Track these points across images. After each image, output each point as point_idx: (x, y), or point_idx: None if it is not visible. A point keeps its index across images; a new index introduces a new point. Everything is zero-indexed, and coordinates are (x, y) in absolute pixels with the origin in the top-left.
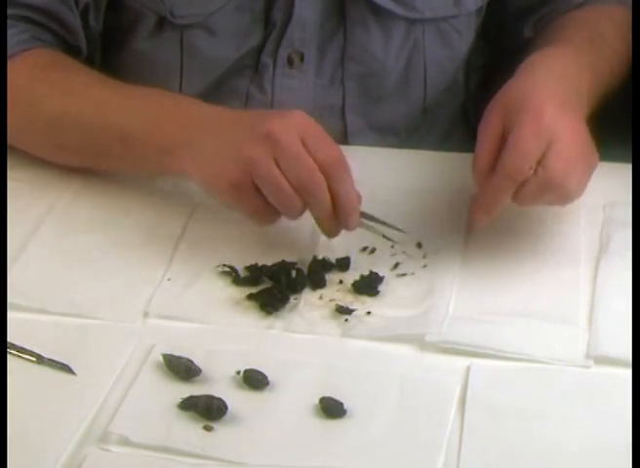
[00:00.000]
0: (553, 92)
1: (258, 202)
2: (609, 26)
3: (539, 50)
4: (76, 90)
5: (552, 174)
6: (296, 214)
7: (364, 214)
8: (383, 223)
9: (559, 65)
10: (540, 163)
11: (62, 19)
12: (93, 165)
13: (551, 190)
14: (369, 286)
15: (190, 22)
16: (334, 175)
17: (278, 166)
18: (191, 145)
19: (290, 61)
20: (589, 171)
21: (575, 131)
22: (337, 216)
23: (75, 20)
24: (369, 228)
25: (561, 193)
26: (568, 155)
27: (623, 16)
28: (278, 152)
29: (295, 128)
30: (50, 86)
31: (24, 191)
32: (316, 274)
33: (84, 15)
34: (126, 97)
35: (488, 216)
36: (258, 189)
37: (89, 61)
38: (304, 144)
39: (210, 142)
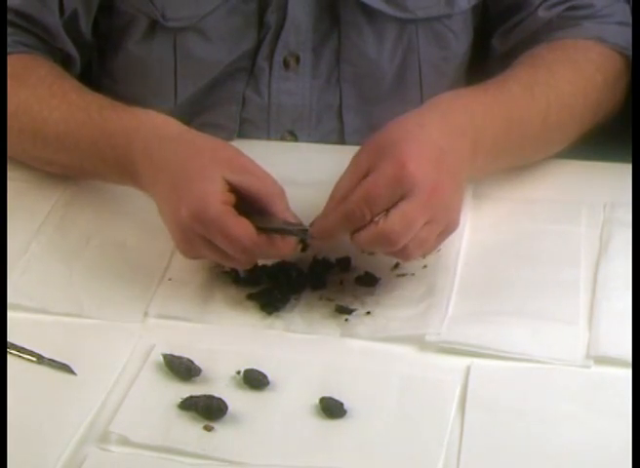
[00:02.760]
0: (433, 145)
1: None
2: (566, 70)
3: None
4: (34, 109)
5: (389, 230)
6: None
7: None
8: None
9: (461, 115)
10: (384, 215)
11: (43, 24)
12: (67, 174)
13: (385, 245)
14: (369, 286)
15: (182, 26)
16: (241, 254)
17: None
18: (144, 182)
19: (286, 64)
20: (440, 235)
21: (438, 191)
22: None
23: (57, 24)
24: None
25: (396, 251)
26: (414, 216)
27: (597, 54)
28: (205, 230)
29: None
30: (13, 104)
31: (24, 191)
32: (316, 274)
33: (73, 20)
34: (79, 120)
35: (321, 241)
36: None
37: (85, 65)
38: (236, 183)
39: (156, 185)
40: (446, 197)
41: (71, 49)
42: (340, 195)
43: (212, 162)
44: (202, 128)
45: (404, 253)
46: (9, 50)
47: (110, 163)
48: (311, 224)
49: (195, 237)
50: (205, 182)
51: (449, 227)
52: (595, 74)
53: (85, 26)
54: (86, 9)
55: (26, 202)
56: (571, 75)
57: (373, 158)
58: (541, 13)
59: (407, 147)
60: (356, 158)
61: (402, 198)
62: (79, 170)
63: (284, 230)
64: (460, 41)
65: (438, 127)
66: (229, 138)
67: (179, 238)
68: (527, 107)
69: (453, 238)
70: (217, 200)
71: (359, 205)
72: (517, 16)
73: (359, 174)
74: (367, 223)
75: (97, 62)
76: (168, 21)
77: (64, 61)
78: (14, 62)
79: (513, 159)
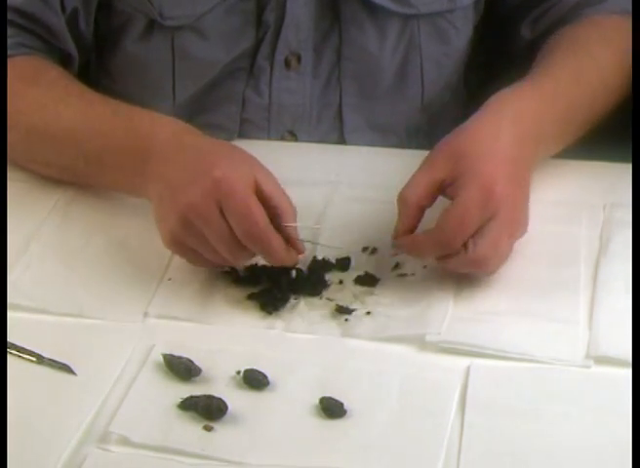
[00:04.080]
0: (509, 158)
1: (196, 256)
2: (606, 51)
3: (509, 87)
4: (49, 106)
5: (479, 254)
6: (243, 261)
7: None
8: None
9: (524, 117)
10: (472, 238)
11: (46, 23)
12: (62, 178)
13: (474, 268)
14: (369, 286)
15: (180, 24)
16: (251, 244)
17: (223, 216)
18: (150, 178)
19: (287, 63)
20: (513, 243)
21: (516, 205)
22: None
23: (60, 24)
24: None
25: (481, 271)
26: (499, 236)
27: (624, 28)
28: (200, 224)
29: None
30: (25, 102)
31: (25, 191)
32: (316, 274)
33: (73, 19)
34: (93, 119)
35: (408, 253)
36: (198, 241)
37: (84, 65)
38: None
39: (166, 179)
40: (523, 211)
41: (72, 48)
42: (416, 202)
43: (243, 161)
44: (202, 128)
45: (487, 271)
46: (11, 52)
47: (123, 153)
48: (394, 237)
49: (195, 221)
50: (236, 166)
51: (521, 235)
52: (628, 48)
53: (84, 25)
54: (86, 7)
55: (26, 202)
56: (609, 54)
57: (451, 170)
58: None
59: (489, 167)
60: (430, 165)
61: (488, 221)
62: (78, 171)
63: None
64: (461, 36)
65: (510, 137)
66: (230, 139)
67: (174, 223)
68: (577, 95)
69: None
70: (246, 180)
71: (453, 234)
72: (545, 3)
73: (435, 182)
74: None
75: (95, 62)
76: (165, 20)
77: (63, 61)
78: (21, 64)
79: (565, 144)
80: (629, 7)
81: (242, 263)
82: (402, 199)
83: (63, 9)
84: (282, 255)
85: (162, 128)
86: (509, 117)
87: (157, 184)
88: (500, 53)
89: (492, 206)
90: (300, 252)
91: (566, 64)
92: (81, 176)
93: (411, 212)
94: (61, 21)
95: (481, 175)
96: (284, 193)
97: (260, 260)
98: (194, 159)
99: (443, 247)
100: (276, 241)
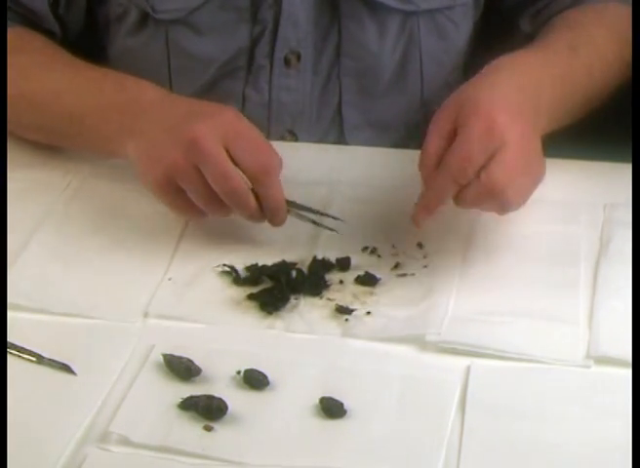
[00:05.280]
0: (509, 100)
1: (182, 202)
2: (602, 30)
3: (510, 53)
4: (36, 72)
5: (494, 181)
6: (223, 215)
7: (295, 205)
8: (319, 213)
9: (522, 75)
10: (484, 168)
11: (30, 7)
12: (52, 142)
13: (491, 197)
14: (369, 286)
15: (173, 18)
16: (259, 181)
17: (201, 173)
18: (132, 134)
19: (286, 61)
20: (533, 183)
21: (525, 140)
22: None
23: (44, 7)
24: (302, 218)
25: (500, 202)
26: (513, 165)
27: (624, 15)
28: (200, 159)
29: (221, 132)
30: (11, 69)
31: (24, 191)
32: (316, 274)
33: (55, 4)
34: (80, 81)
35: (428, 215)
36: (182, 190)
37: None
38: (231, 149)
39: (147, 133)
40: (534, 145)
41: (55, 28)
42: (432, 161)
43: (223, 122)
44: None
45: (507, 204)
46: None
47: (111, 110)
48: (417, 203)
49: (175, 177)
50: (216, 127)
51: (540, 176)
52: (627, 32)
53: (64, 10)
54: None
55: (26, 202)
56: (607, 34)
57: (456, 116)
58: None
59: (490, 102)
60: (437, 121)
61: (497, 150)
62: (63, 132)
63: (297, 205)
64: (460, 32)
65: (507, 86)
66: None
67: (161, 173)
68: (574, 65)
69: (453, 238)
70: (222, 141)
71: (461, 163)
72: None
73: (445, 135)
74: (469, 181)
75: (98, 53)
76: (158, 14)
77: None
78: (12, 36)
79: (566, 115)
80: None
81: (219, 216)
82: (421, 166)
83: None
84: (256, 215)
85: (150, 89)
86: (504, 72)
87: (139, 141)
88: (500, 50)
89: (497, 134)
90: (275, 224)
91: (561, 37)
92: (66, 138)
93: (429, 172)
94: (46, 7)
95: (482, 110)
96: (256, 147)
97: (260, 260)
98: (176, 119)
99: (455, 179)
100: (250, 200)
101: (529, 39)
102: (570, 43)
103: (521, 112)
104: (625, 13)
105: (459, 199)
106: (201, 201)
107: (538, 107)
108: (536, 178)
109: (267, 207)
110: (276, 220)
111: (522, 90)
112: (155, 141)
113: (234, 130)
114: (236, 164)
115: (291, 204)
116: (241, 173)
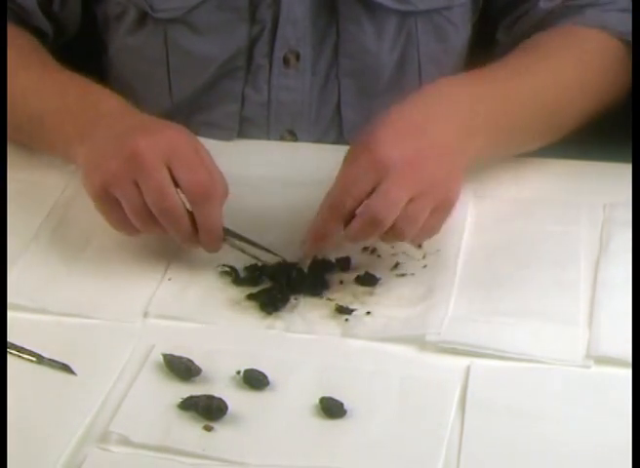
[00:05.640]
0: (408, 121)
1: (117, 214)
2: (564, 54)
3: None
4: (11, 70)
5: (374, 212)
6: (157, 234)
7: (233, 234)
8: (253, 244)
9: (446, 97)
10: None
11: (19, 3)
12: (21, 141)
13: (374, 228)
14: (369, 286)
15: (171, 17)
16: (196, 203)
17: (138, 187)
18: (83, 140)
19: (285, 61)
20: (433, 211)
21: (415, 165)
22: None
23: (32, 5)
24: (237, 247)
25: (390, 232)
26: (395, 192)
27: (594, 40)
28: (138, 174)
29: (165, 149)
30: None
31: (24, 191)
32: (316, 274)
33: (47, 3)
34: (47, 82)
35: (317, 246)
36: (119, 202)
37: (87, 55)
38: (173, 168)
39: (96, 141)
40: (429, 170)
41: (45, 26)
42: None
43: (170, 139)
44: (201, 127)
45: (397, 233)
46: None
47: (71, 113)
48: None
49: (113, 190)
50: (157, 142)
51: (444, 203)
52: (594, 61)
53: (59, 8)
54: None
55: (26, 202)
56: (569, 60)
57: (348, 156)
58: (543, 4)
59: (378, 132)
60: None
61: (381, 180)
62: (24, 131)
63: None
64: (459, 33)
65: (416, 109)
66: (229, 138)
67: (99, 181)
68: (517, 90)
69: (453, 238)
70: (162, 158)
71: (340, 195)
72: (520, 8)
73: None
74: (354, 214)
75: (102, 52)
76: (156, 13)
77: (37, 36)
78: None
79: (517, 141)
80: (607, 23)
81: (153, 233)
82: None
83: None
84: (189, 238)
85: (112, 98)
86: (422, 96)
87: (87, 148)
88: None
89: (380, 163)
90: (209, 250)
91: (513, 62)
92: (30, 138)
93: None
94: (35, 4)
95: (369, 140)
96: (203, 174)
97: (260, 260)
98: (124, 130)
99: (335, 212)
100: (184, 221)
101: (507, 52)
102: (517, 67)
103: (420, 136)
104: (597, 38)
105: (347, 234)
106: (133, 216)
107: (468, 131)
108: (439, 208)
109: (201, 231)
110: (209, 247)
111: (437, 113)
112: (99, 149)
113: (179, 148)
114: (176, 183)
115: (228, 232)
116: (181, 193)
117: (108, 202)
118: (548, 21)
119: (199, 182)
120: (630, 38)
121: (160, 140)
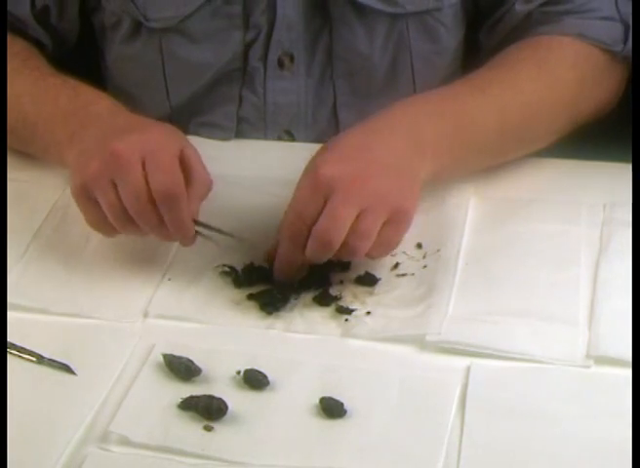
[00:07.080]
0: (351, 140)
1: (95, 214)
2: (530, 68)
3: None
4: (12, 76)
5: (322, 230)
6: (135, 234)
7: (201, 224)
8: (219, 231)
9: (399, 116)
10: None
11: (15, 14)
12: (15, 145)
13: (325, 248)
14: (369, 286)
15: (165, 26)
16: (159, 202)
17: (116, 187)
18: (73, 142)
19: (280, 64)
20: (386, 224)
21: (359, 181)
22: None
23: (28, 15)
24: (206, 237)
25: (342, 250)
26: (340, 209)
27: (574, 51)
28: (116, 174)
29: (141, 149)
30: None
31: (24, 191)
32: (316, 274)
33: (44, 13)
34: (40, 87)
35: (285, 274)
36: (98, 202)
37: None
38: (145, 168)
39: (84, 142)
40: (374, 184)
41: (43, 37)
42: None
43: (149, 140)
44: (201, 128)
45: (349, 250)
46: None
47: (62, 117)
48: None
49: (99, 181)
50: (138, 141)
51: (397, 215)
52: (567, 72)
53: (57, 20)
54: (58, 4)
55: (26, 202)
56: (535, 73)
57: (298, 182)
58: (519, 7)
59: (322, 155)
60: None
61: (327, 199)
62: (18, 135)
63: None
64: (451, 34)
65: (363, 132)
66: (228, 138)
67: (80, 180)
68: (477, 106)
69: (453, 238)
70: (140, 156)
71: (295, 222)
72: (499, 10)
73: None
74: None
75: (100, 60)
76: (150, 22)
77: (37, 46)
78: None
79: (481, 157)
80: (584, 30)
81: (131, 234)
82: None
83: (33, 5)
84: (162, 235)
85: (103, 100)
86: (375, 116)
87: (76, 151)
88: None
89: (322, 184)
90: (182, 244)
91: (476, 78)
92: (24, 142)
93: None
94: (30, 15)
95: (311, 164)
96: (171, 173)
97: (260, 260)
98: (110, 131)
99: (291, 238)
100: (154, 220)
101: (491, 56)
102: (479, 83)
103: (363, 155)
104: (574, 48)
105: (307, 256)
106: (111, 215)
107: (422, 149)
108: (391, 221)
109: (170, 229)
110: (183, 242)
111: (384, 131)
112: (85, 151)
113: (155, 149)
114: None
115: (200, 224)
116: None
117: (87, 201)
118: (526, 27)
119: (162, 183)
120: (612, 47)
121: (139, 141)
